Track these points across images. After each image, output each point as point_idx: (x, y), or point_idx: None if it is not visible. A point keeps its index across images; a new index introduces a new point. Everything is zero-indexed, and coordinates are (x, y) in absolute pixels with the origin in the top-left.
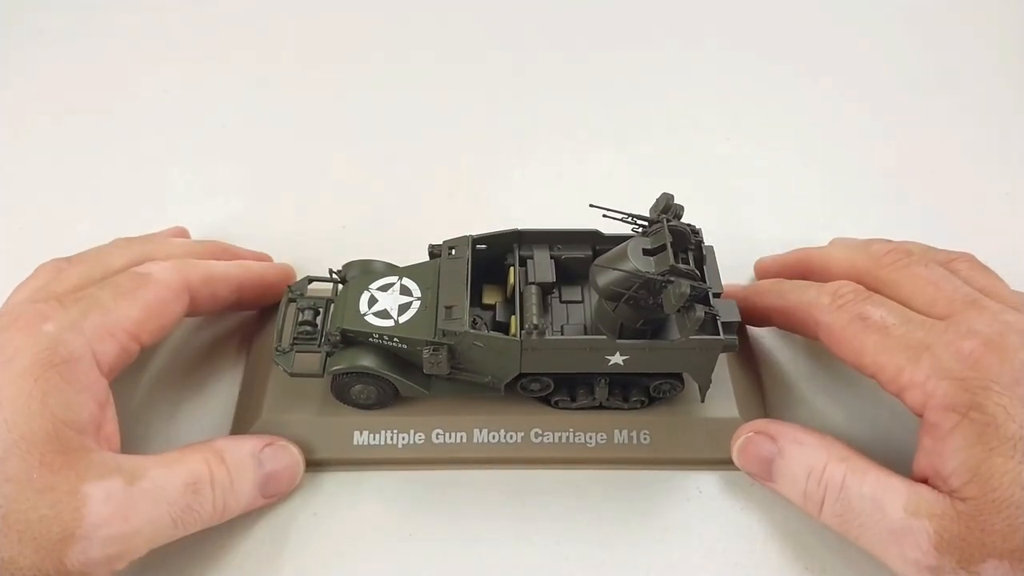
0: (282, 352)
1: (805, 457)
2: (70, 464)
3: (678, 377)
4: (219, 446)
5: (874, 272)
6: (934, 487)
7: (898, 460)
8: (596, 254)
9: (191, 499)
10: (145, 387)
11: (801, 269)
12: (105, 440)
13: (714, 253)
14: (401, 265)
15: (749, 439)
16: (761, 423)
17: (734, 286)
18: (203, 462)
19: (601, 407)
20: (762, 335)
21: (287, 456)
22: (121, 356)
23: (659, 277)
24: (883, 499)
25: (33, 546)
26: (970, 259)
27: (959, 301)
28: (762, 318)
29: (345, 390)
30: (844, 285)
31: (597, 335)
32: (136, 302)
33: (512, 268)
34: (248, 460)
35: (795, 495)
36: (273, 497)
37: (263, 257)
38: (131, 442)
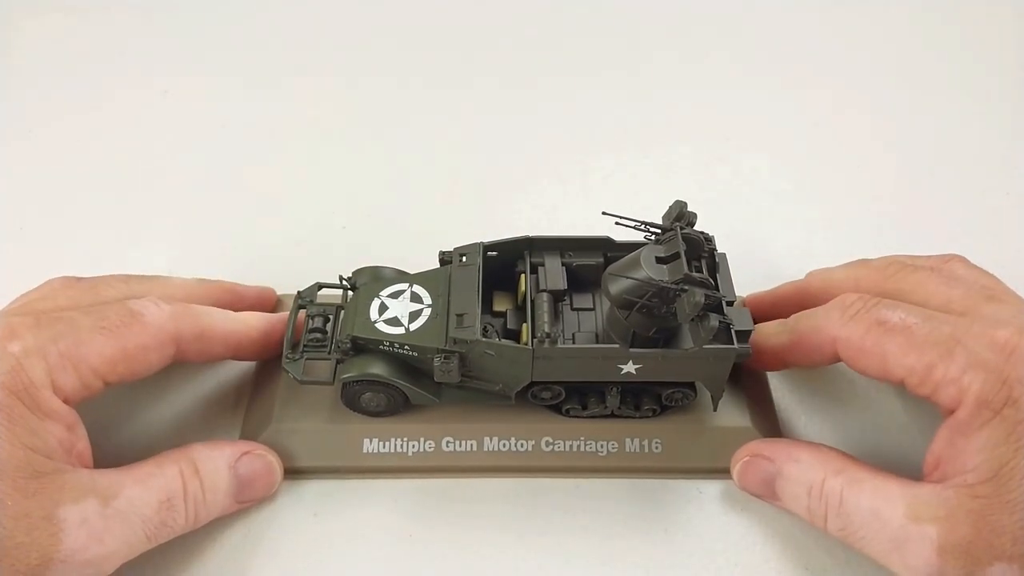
0: (292, 359)
1: (803, 474)
2: (43, 489)
3: (690, 386)
4: (194, 455)
5: (881, 284)
6: (942, 479)
7: (912, 461)
8: (608, 261)
9: (165, 515)
10: (154, 393)
11: (798, 300)
12: (78, 458)
13: (727, 261)
14: (410, 271)
15: (747, 463)
16: (755, 445)
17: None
18: (177, 476)
19: (612, 415)
20: None
21: (263, 465)
22: (80, 391)
23: (673, 286)
24: (882, 508)
25: (11, 572)
26: (962, 259)
27: (975, 296)
28: (774, 361)
29: (355, 398)
30: (847, 297)
31: (609, 343)
32: (114, 340)
33: (523, 275)
34: (223, 471)
35: (801, 512)
36: (248, 503)
37: (267, 294)
38: (138, 449)
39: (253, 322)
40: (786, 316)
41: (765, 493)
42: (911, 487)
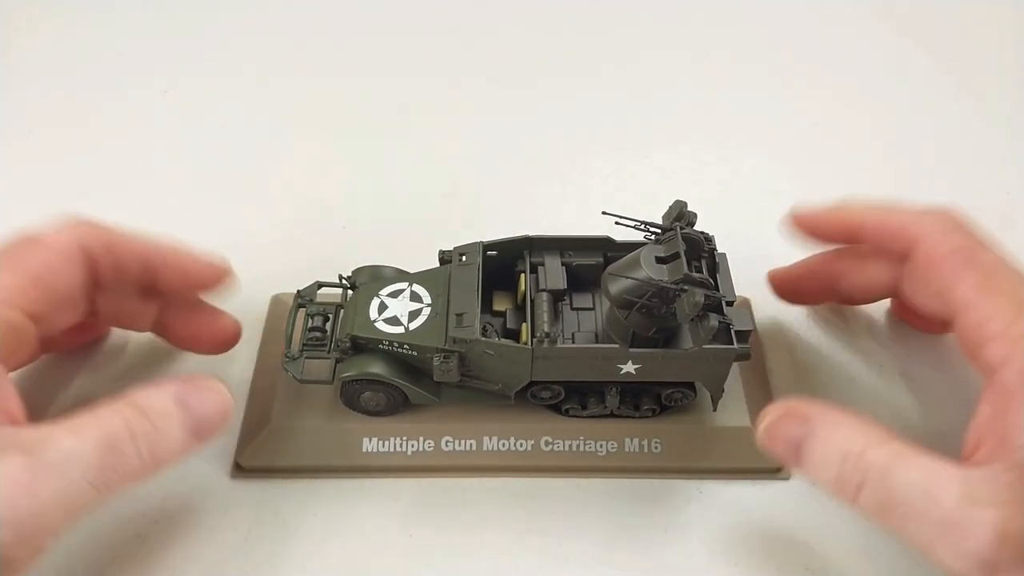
0: (291, 358)
1: (841, 439)
2: None
3: (690, 386)
4: (133, 396)
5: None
6: (989, 457)
7: None
8: (608, 261)
9: (110, 459)
10: None
11: (844, 233)
12: (7, 415)
13: (727, 261)
14: (410, 271)
15: (778, 419)
16: (791, 403)
17: (811, 207)
18: (115, 417)
19: (612, 415)
20: (773, 342)
21: (214, 395)
22: (9, 333)
23: (672, 286)
24: (933, 487)
25: None
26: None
27: None
28: (844, 233)
29: (354, 397)
30: (953, 216)
31: (609, 343)
32: (17, 269)
33: (523, 275)
34: (170, 406)
35: (827, 479)
36: (208, 436)
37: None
38: None
39: (169, 243)
40: (821, 271)
41: (788, 455)
42: (964, 468)
